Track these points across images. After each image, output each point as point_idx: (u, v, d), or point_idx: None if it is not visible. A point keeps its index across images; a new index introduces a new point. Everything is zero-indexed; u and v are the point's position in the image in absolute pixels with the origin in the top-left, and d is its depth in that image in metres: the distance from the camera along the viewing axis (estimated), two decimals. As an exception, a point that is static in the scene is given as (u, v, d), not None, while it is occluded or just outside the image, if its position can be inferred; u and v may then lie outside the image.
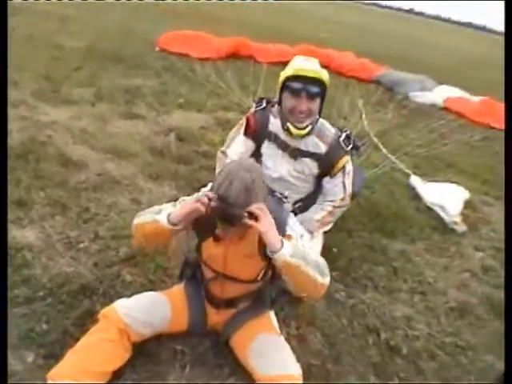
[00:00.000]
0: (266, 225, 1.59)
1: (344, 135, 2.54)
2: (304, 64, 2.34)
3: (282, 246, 1.61)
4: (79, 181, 3.36)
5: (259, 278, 1.92)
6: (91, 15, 11.69)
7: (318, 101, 2.40)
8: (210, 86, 6.65)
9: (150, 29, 10.61)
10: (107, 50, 7.84)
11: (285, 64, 2.54)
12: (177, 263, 2.54)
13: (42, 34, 8.05)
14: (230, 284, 1.94)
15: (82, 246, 2.66)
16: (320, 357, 2.23)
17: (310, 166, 2.56)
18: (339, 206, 2.65)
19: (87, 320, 2.05)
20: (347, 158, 2.56)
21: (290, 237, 1.76)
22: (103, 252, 2.64)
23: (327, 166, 2.55)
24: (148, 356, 2.00)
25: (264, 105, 2.64)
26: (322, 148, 2.51)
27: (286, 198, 2.05)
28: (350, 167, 2.60)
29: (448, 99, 8.17)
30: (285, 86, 2.38)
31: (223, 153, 2.88)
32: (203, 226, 1.84)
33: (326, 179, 2.61)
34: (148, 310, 1.91)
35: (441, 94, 8.39)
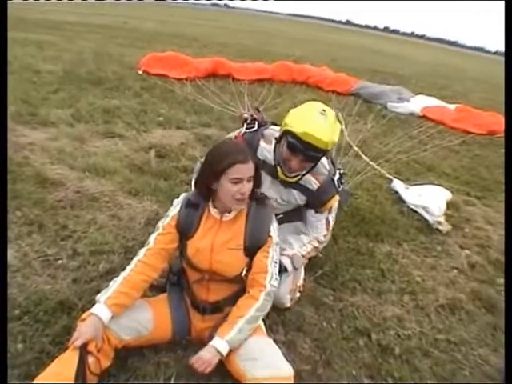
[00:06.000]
0: None
1: (338, 174, 2.47)
2: (315, 127, 2.08)
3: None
4: (57, 199, 3.28)
5: (242, 274, 1.92)
6: (66, 41, 11.71)
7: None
8: (189, 104, 6.67)
9: (125, 52, 10.70)
10: (84, 73, 7.81)
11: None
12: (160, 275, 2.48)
13: (19, 60, 7.99)
14: (216, 284, 1.94)
15: (59, 263, 2.58)
16: (310, 362, 2.18)
17: (298, 198, 2.48)
18: (323, 242, 2.60)
19: (65, 337, 1.95)
20: (337, 197, 2.49)
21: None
22: (82, 268, 2.56)
23: (316, 202, 2.48)
24: (132, 369, 1.92)
25: (255, 127, 2.50)
26: (314, 185, 2.42)
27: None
28: (336, 204, 2.54)
29: (425, 108, 8.29)
30: (286, 135, 2.19)
31: None
32: (188, 223, 1.90)
33: (312, 213, 2.54)
34: (129, 312, 1.84)
35: (418, 103, 8.51)
